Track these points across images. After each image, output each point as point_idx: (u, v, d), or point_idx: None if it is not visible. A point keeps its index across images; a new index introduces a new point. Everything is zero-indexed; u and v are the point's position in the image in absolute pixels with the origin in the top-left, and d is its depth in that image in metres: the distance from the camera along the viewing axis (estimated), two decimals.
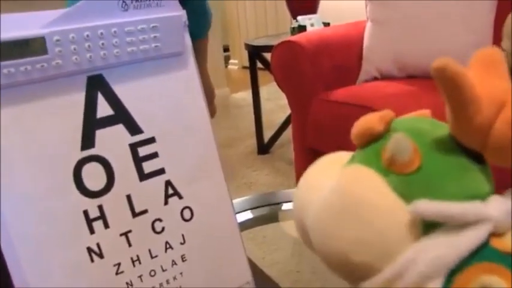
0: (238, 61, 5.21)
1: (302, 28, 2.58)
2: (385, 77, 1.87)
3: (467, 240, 0.35)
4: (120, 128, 0.49)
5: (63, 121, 0.46)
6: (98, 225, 0.48)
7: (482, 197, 0.37)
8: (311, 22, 2.61)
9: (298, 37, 1.91)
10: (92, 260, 0.47)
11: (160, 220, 0.51)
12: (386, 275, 0.37)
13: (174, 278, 0.52)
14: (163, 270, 0.51)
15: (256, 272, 0.60)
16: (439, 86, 0.37)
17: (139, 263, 0.50)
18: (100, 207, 0.48)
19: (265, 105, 3.18)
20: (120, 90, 0.49)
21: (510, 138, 0.36)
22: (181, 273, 0.52)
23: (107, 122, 0.49)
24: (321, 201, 0.41)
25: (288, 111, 2.21)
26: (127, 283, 0.49)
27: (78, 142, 0.47)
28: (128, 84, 0.50)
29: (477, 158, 0.39)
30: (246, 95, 3.86)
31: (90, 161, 0.47)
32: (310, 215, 0.43)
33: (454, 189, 0.37)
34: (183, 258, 0.53)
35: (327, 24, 2.73)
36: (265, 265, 0.68)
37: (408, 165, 0.38)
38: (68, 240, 0.46)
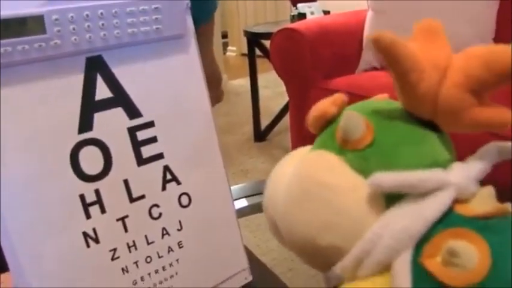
0: (236, 48, 5.18)
1: (302, 16, 2.56)
2: (384, 67, 1.86)
3: (431, 208, 0.34)
4: (118, 111, 0.48)
5: (60, 103, 0.45)
6: (94, 209, 0.47)
7: (442, 165, 0.37)
8: (311, 10, 2.59)
9: (297, 25, 1.90)
10: (88, 245, 0.46)
11: (157, 206, 0.51)
12: (354, 254, 0.36)
13: (170, 265, 0.51)
14: (160, 257, 0.51)
15: (252, 259, 0.60)
16: (382, 58, 0.38)
17: (136, 248, 0.49)
18: (97, 192, 0.47)
19: (263, 92, 3.16)
20: (119, 72, 0.48)
21: (456, 102, 0.36)
22: (177, 260, 0.52)
23: (106, 104, 0.48)
24: (283, 191, 0.41)
25: (286, 99, 2.20)
26: (122, 269, 0.48)
27: (76, 125, 0.46)
28: (127, 66, 0.49)
29: (433, 128, 0.39)
30: (244, 82, 3.84)
31: (87, 144, 0.47)
32: (276, 207, 0.42)
33: (410, 158, 0.37)
34: (179, 245, 0.52)
35: (327, 13, 2.71)
36: (259, 252, 0.68)
37: (361, 141, 0.38)
38: (63, 224, 0.45)
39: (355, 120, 0.38)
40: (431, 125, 0.39)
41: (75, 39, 0.45)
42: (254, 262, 0.61)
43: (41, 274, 0.44)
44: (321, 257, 0.39)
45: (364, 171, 0.37)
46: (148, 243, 0.50)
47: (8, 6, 0.42)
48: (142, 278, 0.49)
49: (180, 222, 0.52)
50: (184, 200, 0.52)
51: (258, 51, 2.77)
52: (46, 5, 0.43)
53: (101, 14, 0.46)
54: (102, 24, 0.46)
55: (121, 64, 0.48)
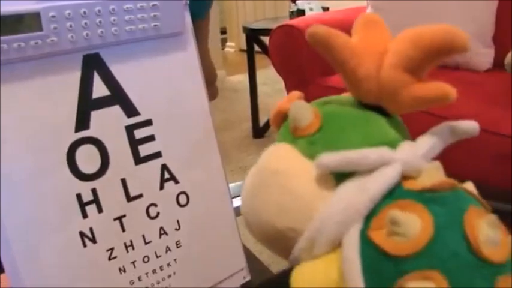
0: (235, 44, 5.17)
1: (301, 12, 2.55)
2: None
3: (376, 183, 0.35)
4: (116, 110, 0.48)
5: (57, 101, 0.45)
6: (91, 209, 0.46)
7: (390, 145, 0.38)
8: (310, 6, 2.58)
9: (296, 21, 1.89)
10: (85, 245, 0.46)
11: (155, 205, 0.50)
12: (307, 234, 0.37)
13: (168, 264, 0.51)
14: (157, 257, 0.50)
15: (250, 258, 0.60)
16: (318, 51, 0.40)
17: (133, 248, 0.49)
18: (94, 191, 0.46)
19: (261, 89, 3.15)
20: (117, 70, 0.48)
21: (394, 82, 0.38)
22: (175, 260, 0.51)
23: (103, 102, 0.47)
24: (248, 185, 0.44)
25: (285, 96, 2.20)
26: (120, 269, 0.48)
27: (73, 123, 0.46)
28: (125, 64, 0.48)
29: (384, 114, 0.41)
30: (243, 78, 3.84)
31: (84, 143, 0.46)
32: (243, 202, 0.44)
33: (356, 140, 0.39)
34: (177, 245, 0.52)
35: (326, 9, 2.70)
36: (257, 250, 0.67)
37: (310, 127, 0.40)
38: (59, 224, 0.45)
39: (301, 108, 0.40)
40: (381, 111, 0.41)
41: (72, 36, 0.44)
42: (252, 261, 0.61)
43: (36, 274, 0.44)
44: (282, 242, 0.40)
45: (313, 155, 0.38)
46: (145, 243, 0.49)
47: (3, 3, 0.41)
48: (139, 278, 0.49)
49: (178, 221, 0.51)
50: (183, 199, 0.52)
51: (256, 48, 2.77)
52: (42, 2, 0.43)
53: (98, 11, 0.45)
54: (100, 22, 0.45)
55: (118, 62, 0.48)
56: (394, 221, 0.32)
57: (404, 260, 0.31)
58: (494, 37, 1.58)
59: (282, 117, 0.45)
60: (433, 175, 0.36)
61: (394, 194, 0.35)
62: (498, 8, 1.57)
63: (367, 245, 0.33)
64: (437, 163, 0.38)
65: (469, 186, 0.37)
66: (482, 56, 1.56)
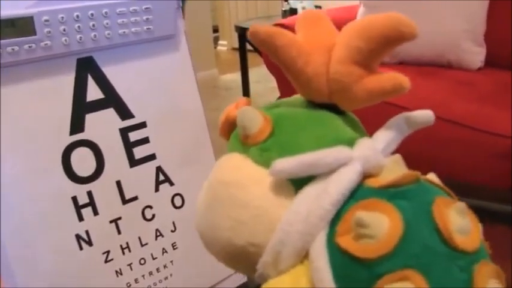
0: (227, 42, 5.16)
1: (293, 11, 2.55)
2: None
3: (335, 184, 0.33)
4: (110, 112, 0.48)
5: (51, 104, 0.45)
6: (87, 212, 0.46)
7: (346, 143, 0.36)
8: (303, 5, 2.59)
9: (289, 20, 1.89)
10: (81, 248, 0.46)
11: (150, 207, 0.50)
12: (271, 247, 0.34)
13: (165, 267, 0.51)
14: (154, 259, 0.50)
15: None
16: (263, 51, 0.37)
17: (129, 250, 0.49)
18: (89, 194, 0.46)
19: (254, 87, 3.15)
20: (110, 73, 0.48)
21: (343, 76, 0.36)
22: (171, 262, 0.51)
23: (97, 105, 0.47)
24: (201, 200, 0.40)
25: (277, 95, 2.20)
26: (116, 271, 0.48)
27: (67, 126, 0.46)
28: (119, 67, 0.48)
29: (336, 111, 0.39)
30: (235, 77, 3.83)
31: (79, 145, 0.46)
32: (197, 219, 0.41)
33: (310, 142, 0.36)
34: (173, 246, 0.52)
35: (318, 8, 2.70)
36: None
37: (260, 133, 0.37)
38: (55, 227, 0.45)
39: (250, 114, 0.37)
40: (333, 109, 0.39)
41: (65, 40, 0.44)
42: None
43: (32, 277, 0.44)
44: (244, 260, 0.37)
45: (266, 162, 0.36)
46: (142, 245, 0.50)
47: None
48: (136, 280, 0.49)
49: (173, 223, 0.52)
50: (178, 201, 0.52)
51: (249, 46, 2.77)
52: (36, 6, 0.43)
53: (91, 14, 0.45)
54: (93, 25, 0.45)
55: (112, 65, 0.48)
56: (360, 223, 0.30)
57: (377, 263, 0.29)
58: (486, 35, 1.59)
59: (230, 125, 0.41)
60: (394, 169, 0.34)
61: (357, 194, 0.33)
62: (490, 6, 1.58)
63: (336, 252, 0.31)
64: (398, 156, 0.36)
65: (432, 177, 0.36)
66: (474, 54, 1.56)
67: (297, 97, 0.42)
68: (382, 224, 0.30)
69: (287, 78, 0.40)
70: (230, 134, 0.41)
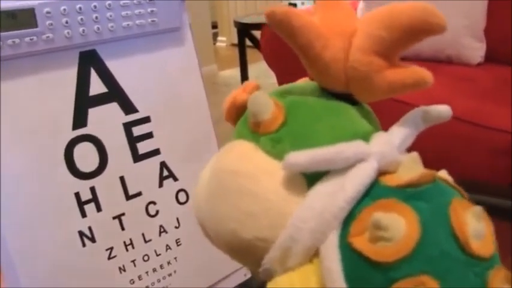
0: (226, 38, 5.15)
1: (293, 6, 2.55)
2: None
3: (351, 181, 0.31)
4: (113, 107, 0.47)
5: (53, 98, 0.44)
6: (90, 208, 0.46)
7: (363, 137, 0.34)
8: (302, 0, 2.58)
9: None
10: (84, 245, 0.45)
11: (154, 203, 0.49)
12: (280, 243, 0.33)
13: (169, 263, 0.50)
14: (157, 255, 0.50)
15: None
16: (279, 34, 0.35)
17: (133, 247, 0.48)
18: (92, 190, 0.46)
19: None
20: (114, 66, 0.47)
21: (364, 66, 0.34)
22: (175, 258, 0.51)
23: (100, 100, 0.46)
24: (202, 188, 0.38)
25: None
26: (120, 268, 0.47)
27: (70, 121, 0.45)
28: (122, 60, 0.47)
29: (351, 102, 0.37)
30: (235, 73, 3.82)
31: (82, 140, 0.45)
32: (200, 207, 0.39)
33: (327, 134, 0.34)
34: (177, 243, 0.51)
35: None
36: None
37: (272, 122, 0.35)
38: (58, 223, 0.44)
39: (262, 100, 0.35)
40: (348, 100, 0.37)
41: (67, 32, 0.43)
42: None
43: (34, 274, 0.43)
44: (250, 253, 0.35)
45: (278, 154, 0.33)
46: (145, 241, 0.49)
47: None
48: (139, 277, 0.48)
49: (177, 219, 0.51)
50: (182, 196, 0.51)
51: (248, 42, 2.75)
52: None
53: (94, 6, 0.44)
54: (96, 18, 0.44)
55: (115, 58, 0.47)
56: (377, 225, 0.28)
57: (393, 267, 0.28)
58: (486, 31, 1.58)
59: (238, 110, 0.39)
60: (411, 168, 0.33)
61: (373, 192, 0.31)
62: (490, 1, 1.57)
63: (349, 253, 0.30)
64: (415, 154, 0.34)
65: (444, 174, 0.34)
66: (474, 50, 1.55)
67: (308, 83, 0.39)
68: (399, 227, 0.29)
69: (302, 64, 0.37)
70: (237, 120, 0.39)
